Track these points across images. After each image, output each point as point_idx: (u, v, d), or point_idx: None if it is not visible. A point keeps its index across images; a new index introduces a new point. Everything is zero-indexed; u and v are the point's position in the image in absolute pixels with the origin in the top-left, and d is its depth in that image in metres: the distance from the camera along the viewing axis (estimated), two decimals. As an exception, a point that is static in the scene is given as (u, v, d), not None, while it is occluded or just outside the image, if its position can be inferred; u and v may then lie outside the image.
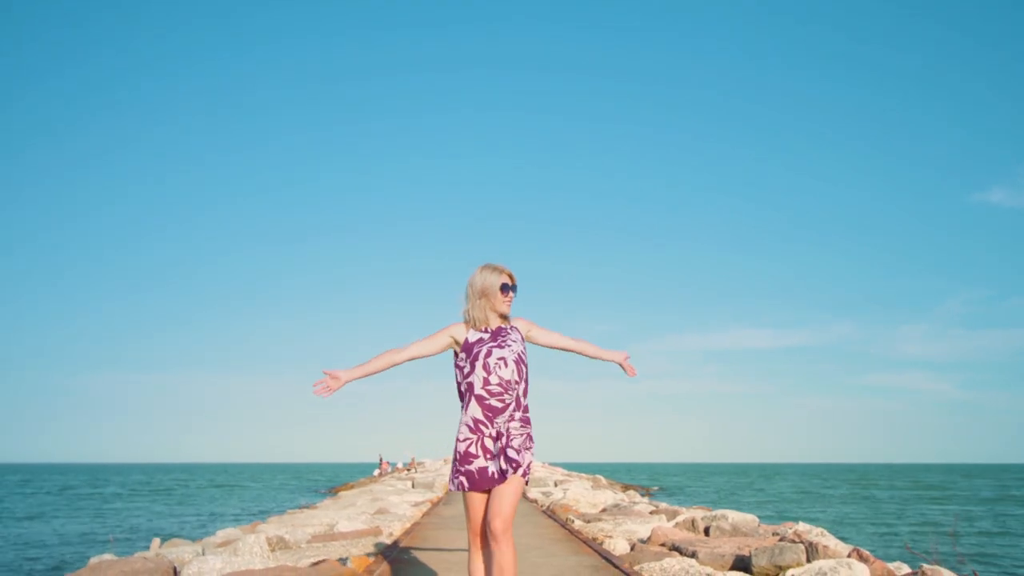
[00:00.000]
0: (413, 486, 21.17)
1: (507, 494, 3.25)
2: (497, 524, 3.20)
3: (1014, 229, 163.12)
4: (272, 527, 9.27)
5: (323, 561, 6.18)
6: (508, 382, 3.34)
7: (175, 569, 6.10)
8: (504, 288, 3.42)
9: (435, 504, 13.92)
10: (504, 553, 3.19)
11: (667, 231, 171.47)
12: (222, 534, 9.48)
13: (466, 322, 3.46)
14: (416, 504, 13.28)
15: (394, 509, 11.77)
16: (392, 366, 3.39)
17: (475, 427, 3.34)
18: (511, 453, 3.29)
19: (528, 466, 3.32)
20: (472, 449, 3.33)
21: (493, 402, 3.33)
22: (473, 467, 3.32)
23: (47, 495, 38.75)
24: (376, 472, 44.79)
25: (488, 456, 3.33)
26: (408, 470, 40.24)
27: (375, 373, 3.36)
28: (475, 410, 3.34)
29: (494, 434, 3.33)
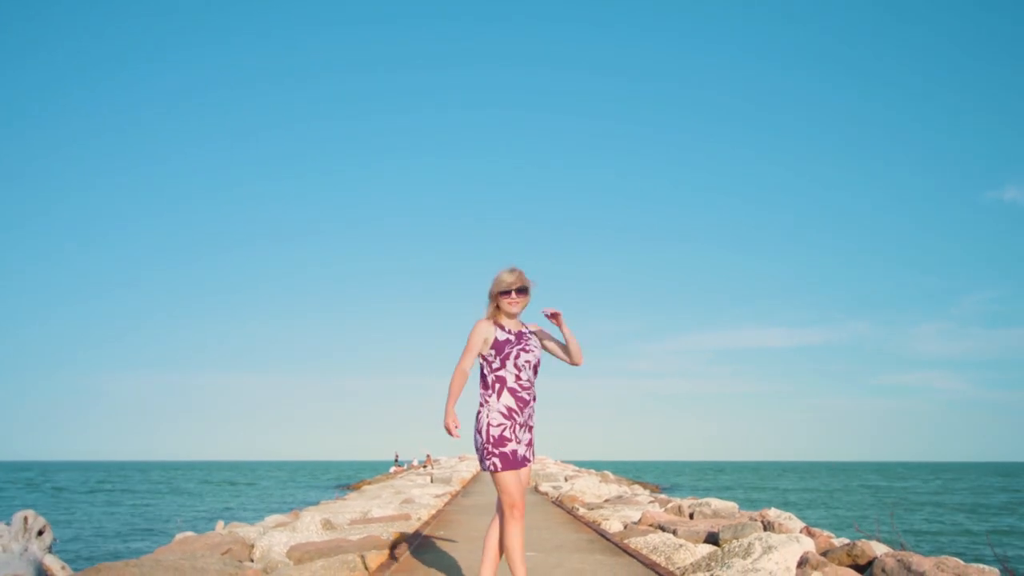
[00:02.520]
0: (432, 481, 22.48)
1: (527, 475, 4.00)
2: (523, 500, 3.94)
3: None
4: (315, 513, 10.61)
5: (368, 536, 7.53)
6: (531, 381, 3.94)
7: (248, 543, 7.44)
8: (506, 293, 3.95)
9: (455, 496, 15.26)
10: (523, 518, 3.95)
11: (680, 231, 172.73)
12: (271, 519, 10.84)
13: (489, 319, 4.02)
14: (438, 496, 14.62)
15: (418, 500, 13.09)
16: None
17: (508, 415, 3.86)
18: (532, 448, 4.01)
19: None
20: (507, 433, 3.85)
21: (524, 395, 3.89)
22: (507, 449, 3.83)
23: (79, 492, 40.37)
24: (392, 469, 46.19)
25: (517, 441, 3.87)
26: (424, 467, 41.55)
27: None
28: (508, 400, 3.88)
29: (521, 422, 3.89)
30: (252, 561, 6.76)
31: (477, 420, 3.94)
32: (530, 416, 3.94)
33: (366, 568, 5.59)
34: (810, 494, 37.85)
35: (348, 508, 11.90)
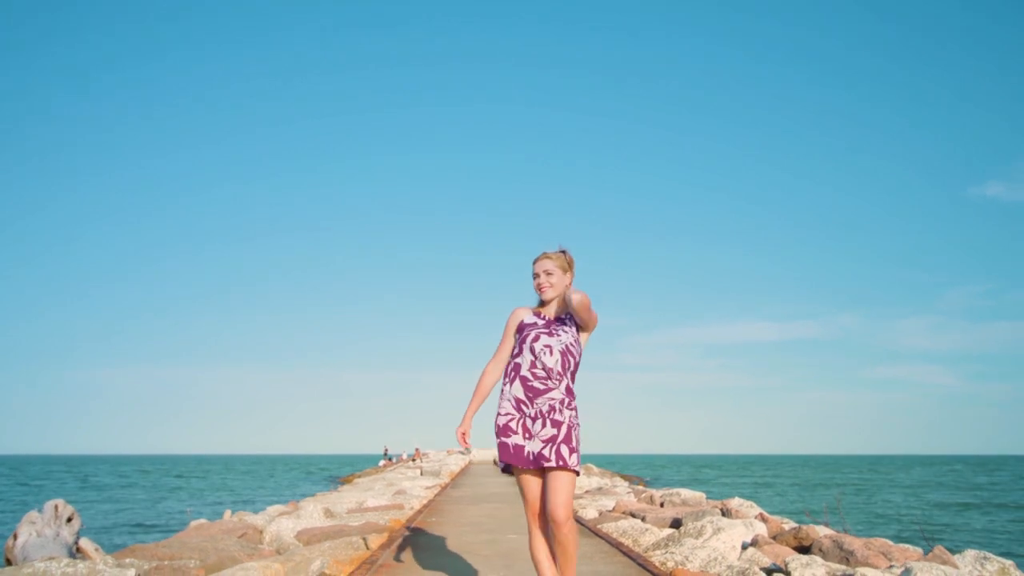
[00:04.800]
0: (421, 474, 23.27)
1: (560, 485, 3.33)
2: (558, 513, 3.30)
3: (1012, 222, 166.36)
4: (316, 503, 11.40)
5: (367, 523, 8.31)
6: (551, 370, 3.43)
7: (258, 528, 8.21)
8: (534, 276, 3.59)
9: (444, 487, 16.06)
10: (566, 535, 3.32)
11: (672, 226, 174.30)
12: (274, 509, 11.60)
13: (528, 307, 3.64)
14: (428, 487, 15.42)
15: (410, 491, 13.88)
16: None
17: (517, 406, 3.45)
18: (562, 449, 3.35)
19: (575, 456, 3.37)
20: (512, 425, 3.45)
21: (536, 384, 3.43)
22: (510, 442, 3.43)
23: (79, 487, 40.88)
24: (382, 463, 46.89)
25: (527, 436, 3.42)
26: (413, 460, 42.31)
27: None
28: (518, 390, 3.46)
29: (533, 414, 3.42)
30: (264, 544, 7.53)
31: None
32: (551, 408, 3.42)
33: (368, 548, 6.37)
34: (786, 487, 38.93)
35: (345, 499, 12.67)
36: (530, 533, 3.49)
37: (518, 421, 3.44)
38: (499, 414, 3.50)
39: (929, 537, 8.68)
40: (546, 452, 3.36)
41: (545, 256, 3.57)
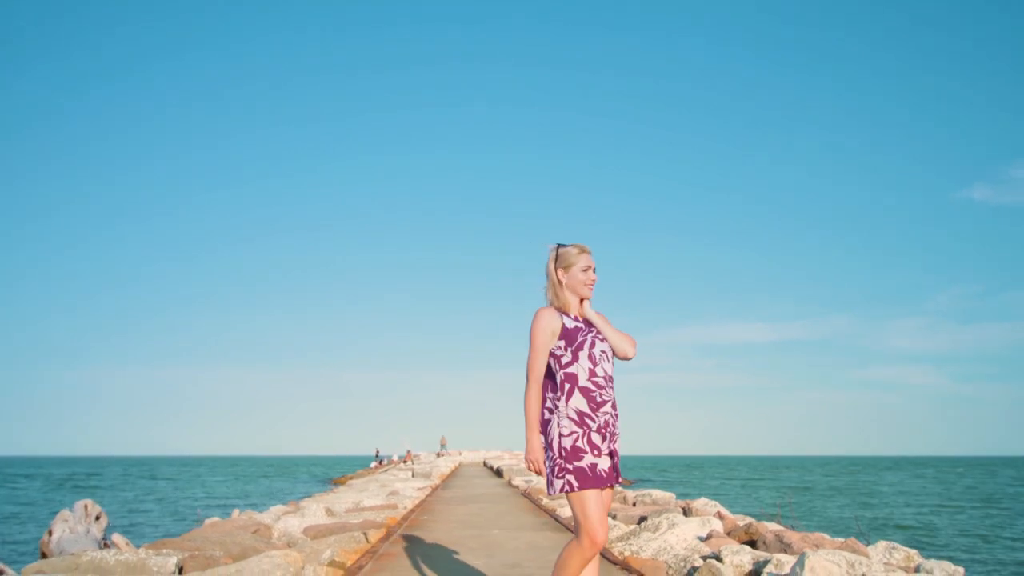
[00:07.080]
0: (413, 476, 24.15)
1: (609, 501, 3.15)
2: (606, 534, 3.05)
3: (998, 225, 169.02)
4: (317, 503, 12.28)
5: (365, 520, 9.21)
6: (610, 377, 3.19)
7: (267, 525, 9.09)
8: (583, 268, 3.22)
9: (435, 489, 16.98)
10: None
11: (665, 226, 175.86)
12: (276, 509, 12.49)
13: (553, 306, 3.25)
14: (420, 488, 16.32)
15: (403, 492, 14.77)
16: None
17: (580, 420, 3.10)
18: (616, 459, 3.17)
19: None
20: (580, 444, 3.07)
21: (598, 395, 3.13)
22: (584, 463, 3.05)
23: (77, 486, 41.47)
24: (373, 464, 47.66)
25: (595, 452, 3.08)
26: (404, 462, 43.07)
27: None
28: (579, 402, 3.11)
29: (597, 427, 3.12)
30: (274, 539, 8.42)
31: (546, 432, 3.16)
32: (610, 421, 3.17)
33: (368, 541, 7.28)
34: (762, 488, 40.00)
35: (342, 499, 13.57)
36: (576, 558, 3.01)
37: (582, 438, 3.09)
38: (562, 435, 3.10)
39: (864, 533, 9.67)
40: (616, 466, 3.16)
41: (588, 250, 3.26)
